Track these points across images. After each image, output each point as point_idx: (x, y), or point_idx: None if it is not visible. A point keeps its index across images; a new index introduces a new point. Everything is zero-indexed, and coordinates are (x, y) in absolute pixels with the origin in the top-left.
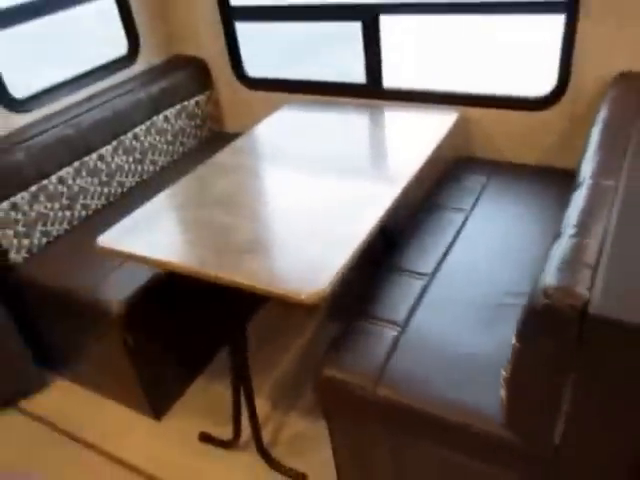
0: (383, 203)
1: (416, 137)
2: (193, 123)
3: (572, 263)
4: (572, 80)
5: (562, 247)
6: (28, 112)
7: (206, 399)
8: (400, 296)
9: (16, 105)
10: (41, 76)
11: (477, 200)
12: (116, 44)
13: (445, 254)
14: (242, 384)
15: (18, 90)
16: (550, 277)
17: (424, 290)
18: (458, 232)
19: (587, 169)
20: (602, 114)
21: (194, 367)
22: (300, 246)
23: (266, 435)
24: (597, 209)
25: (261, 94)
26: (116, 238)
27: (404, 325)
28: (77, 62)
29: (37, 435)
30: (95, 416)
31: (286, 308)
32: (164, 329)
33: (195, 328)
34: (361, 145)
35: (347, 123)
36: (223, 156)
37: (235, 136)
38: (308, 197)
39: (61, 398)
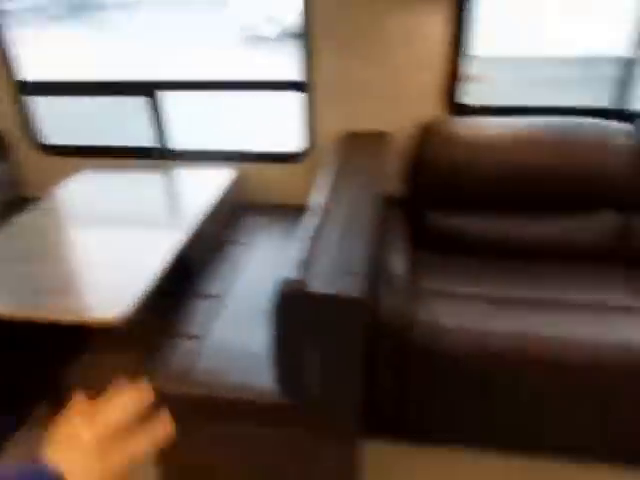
0: (173, 245)
1: (202, 191)
2: None
3: (299, 264)
4: (315, 139)
5: (291, 255)
6: None
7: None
8: (198, 315)
9: None
10: None
11: (256, 236)
12: None
13: (233, 278)
14: None
15: None
16: (283, 276)
17: (217, 307)
18: (243, 261)
19: (314, 204)
20: (330, 164)
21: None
22: (101, 282)
23: None
24: (320, 227)
25: (60, 160)
26: None
27: (202, 337)
28: None
29: None
30: None
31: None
32: None
33: (11, 377)
34: (154, 202)
35: (140, 183)
36: (22, 218)
37: (36, 201)
38: (107, 247)
39: None
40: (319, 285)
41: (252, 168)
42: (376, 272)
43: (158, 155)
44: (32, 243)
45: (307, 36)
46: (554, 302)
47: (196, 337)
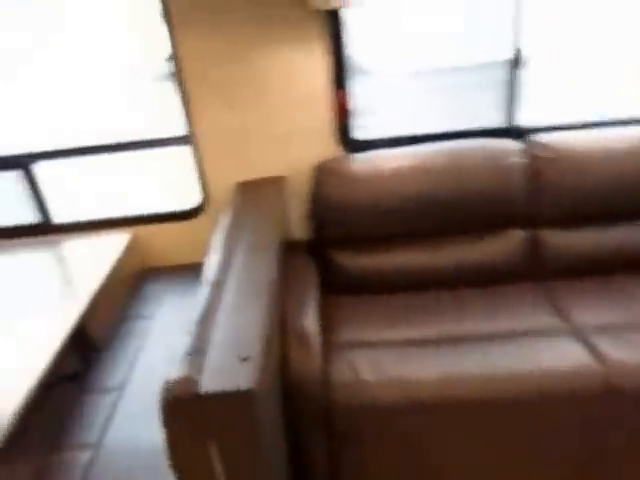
0: (64, 328)
1: (92, 262)
2: None
3: (186, 356)
4: (209, 193)
5: (185, 341)
6: None
7: None
8: (92, 416)
9: None
10: None
11: (159, 305)
12: None
13: (134, 362)
14: None
15: None
16: (169, 374)
17: (115, 402)
18: (144, 339)
19: (207, 270)
20: (225, 218)
21: None
22: None
23: None
24: (212, 304)
25: None
26: None
27: (97, 445)
28: None
29: None
30: None
31: None
32: None
33: None
34: (41, 282)
35: (23, 264)
36: None
37: None
38: None
39: None
40: (207, 381)
41: (147, 230)
42: (282, 333)
43: (41, 231)
44: None
45: (181, 86)
46: (477, 335)
47: (87, 446)
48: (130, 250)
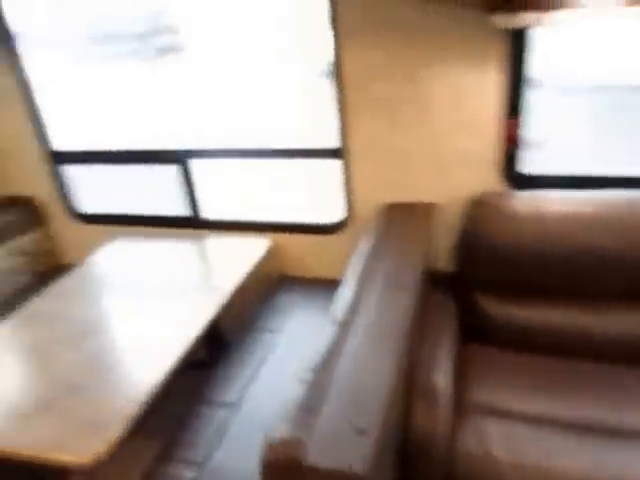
0: (203, 319)
1: (233, 261)
2: (28, 260)
3: (298, 412)
4: (354, 210)
5: (296, 393)
6: None
7: None
8: (203, 431)
9: None
10: None
11: (289, 317)
12: None
13: (254, 377)
14: None
15: None
16: (275, 430)
17: (229, 420)
18: (269, 352)
19: (338, 301)
20: (367, 239)
21: None
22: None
23: None
24: (335, 349)
25: (93, 228)
26: None
27: (202, 464)
28: None
29: None
30: None
31: None
32: None
33: None
34: (185, 271)
35: (172, 252)
36: (36, 304)
37: (70, 268)
38: (130, 327)
39: None
40: (315, 450)
41: (288, 239)
42: (409, 383)
43: (190, 225)
44: (44, 330)
45: (341, 99)
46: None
47: (196, 464)
48: (268, 256)
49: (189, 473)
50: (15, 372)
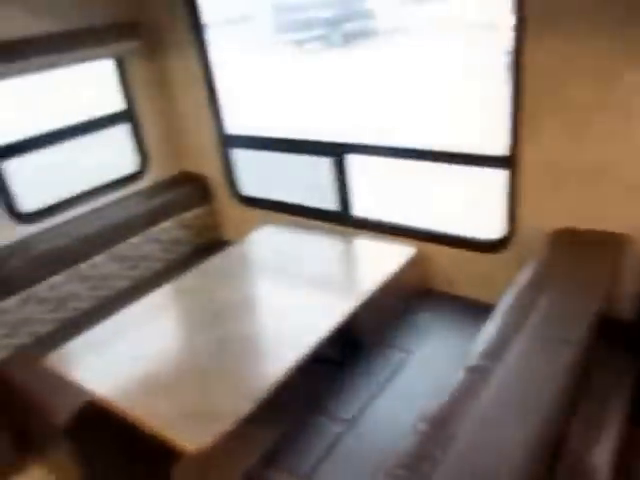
0: (338, 315)
1: (376, 264)
2: (192, 233)
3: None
4: (517, 230)
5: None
6: (33, 223)
7: None
8: (312, 443)
9: (23, 217)
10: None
11: (425, 335)
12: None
13: (376, 394)
14: None
15: (32, 204)
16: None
17: (339, 439)
18: (397, 370)
19: (480, 342)
20: (531, 268)
21: None
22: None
23: None
24: (463, 399)
25: (251, 210)
26: (63, 358)
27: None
28: (86, 180)
29: None
30: None
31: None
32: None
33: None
34: (328, 266)
35: (318, 246)
36: (191, 278)
37: (226, 244)
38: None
39: None
40: None
41: (436, 250)
42: (553, 464)
43: (338, 220)
44: (186, 306)
45: (517, 97)
46: None
47: (298, 476)
48: (412, 265)
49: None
50: (151, 346)
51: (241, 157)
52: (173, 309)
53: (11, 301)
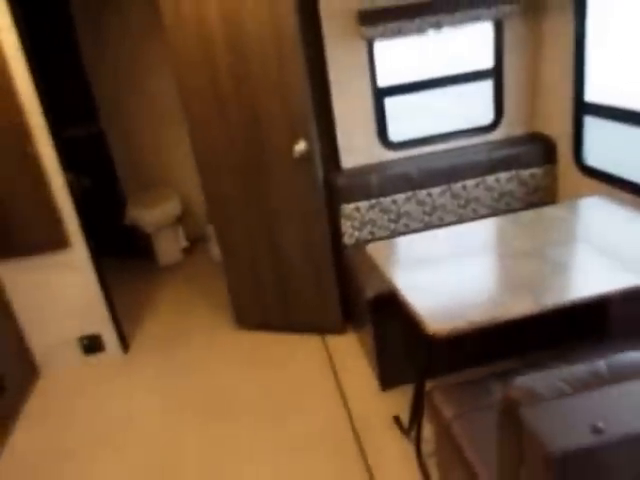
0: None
1: None
2: (524, 190)
3: None
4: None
5: None
6: (398, 151)
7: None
8: None
9: (391, 145)
10: (419, 129)
11: None
12: (484, 116)
13: None
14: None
15: (397, 136)
16: None
17: None
18: None
19: None
20: None
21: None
22: None
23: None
24: None
25: (589, 180)
26: (379, 250)
27: None
28: (449, 124)
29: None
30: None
31: None
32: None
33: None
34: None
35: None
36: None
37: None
38: None
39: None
40: None
41: None
42: None
43: None
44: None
45: None
46: None
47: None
48: None
49: None
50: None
51: (594, 126)
52: (493, 237)
53: (364, 204)
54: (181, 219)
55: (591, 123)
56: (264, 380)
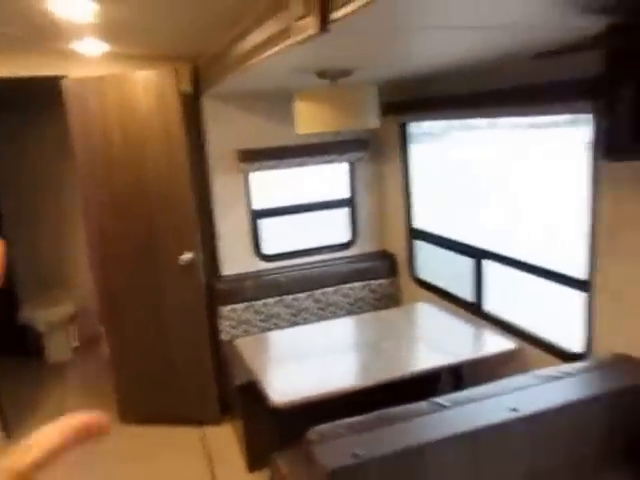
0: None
1: (481, 348)
2: (374, 296)
3: None
4: (593, 349)
5: None
6: (270, 262)
7: None
8: None
9: (264, 257)
10: (289, 244)
11: None
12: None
13: None
14: None
15: (270, 249)
16: None
17: None
18: None
19: None
20: None
21: None
22: None
23: None
24: None
25: (419, 290)
26: (246, 345)
27: None
28: (312, 240)
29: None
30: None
31: None
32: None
33: None
34: (448, 338)
35: (451, 323)
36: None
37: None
38: None
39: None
40: None
41: (527, 348)
42: None
43: (473, 311)
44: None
45: (592, 229)
46: None
47: None
48: (511, 358)
49: None
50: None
51: (421, 247)
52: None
53: (240, 306)
54: (74, 319)
55: (419, 245)
56: (140, 474)
